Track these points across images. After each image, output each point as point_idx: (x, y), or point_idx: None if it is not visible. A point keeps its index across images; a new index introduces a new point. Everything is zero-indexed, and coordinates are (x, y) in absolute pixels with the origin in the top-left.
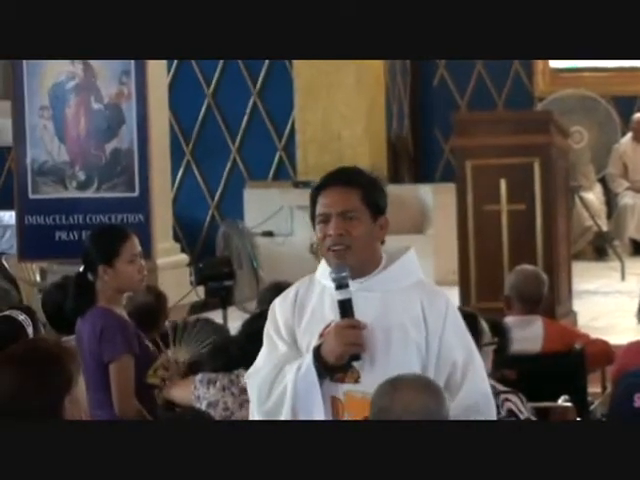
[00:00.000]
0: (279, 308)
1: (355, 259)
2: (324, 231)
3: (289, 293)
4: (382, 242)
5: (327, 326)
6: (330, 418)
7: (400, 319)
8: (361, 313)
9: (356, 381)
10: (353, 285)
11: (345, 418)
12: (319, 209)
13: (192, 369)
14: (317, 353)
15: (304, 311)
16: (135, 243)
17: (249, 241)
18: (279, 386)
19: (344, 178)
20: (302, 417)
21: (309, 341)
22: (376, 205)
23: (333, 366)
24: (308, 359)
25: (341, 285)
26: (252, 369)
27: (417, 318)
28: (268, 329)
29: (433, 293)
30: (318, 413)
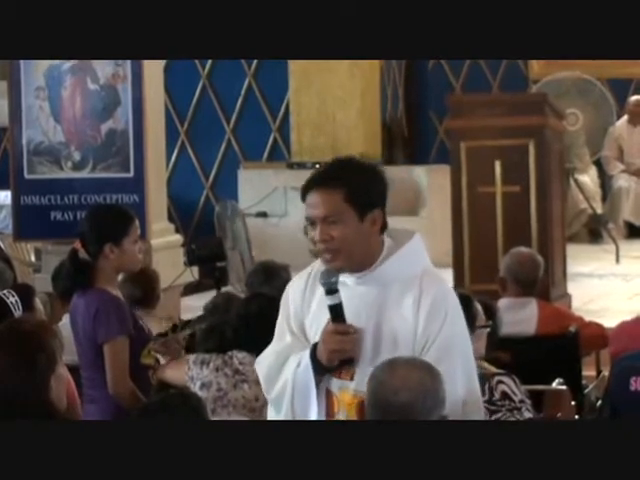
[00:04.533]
0: (292, 293)
1: (345, 261)
2: (312, 235)
3: (302, 277)
4: (382, 230)
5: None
6: (324, 411)
7: (393, 316)
8: (356, 309)
9: (351, 378)
10: (351, 279)
11: (340, 413)
12: (305, 212)
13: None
14: (314, 352)
15: (313, 298)
16: (137, 224)
17: (241, 221)
18: (281, 379)
19: (326, 179)
20: (299, 411)
21: (316, 330)
22: (362, 203)
23: (327, 367)
24: (306, 357)
25: (331, 290)
26: (261, 356)
27: (411, 314)
28: (280, 314)
29: (433, 286)
30: (313, 408)
